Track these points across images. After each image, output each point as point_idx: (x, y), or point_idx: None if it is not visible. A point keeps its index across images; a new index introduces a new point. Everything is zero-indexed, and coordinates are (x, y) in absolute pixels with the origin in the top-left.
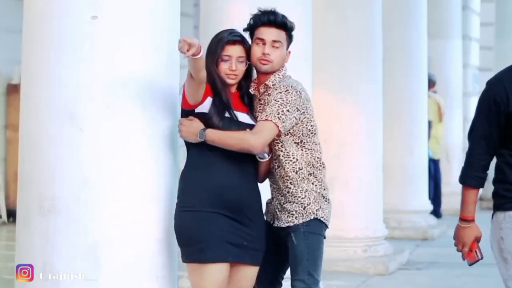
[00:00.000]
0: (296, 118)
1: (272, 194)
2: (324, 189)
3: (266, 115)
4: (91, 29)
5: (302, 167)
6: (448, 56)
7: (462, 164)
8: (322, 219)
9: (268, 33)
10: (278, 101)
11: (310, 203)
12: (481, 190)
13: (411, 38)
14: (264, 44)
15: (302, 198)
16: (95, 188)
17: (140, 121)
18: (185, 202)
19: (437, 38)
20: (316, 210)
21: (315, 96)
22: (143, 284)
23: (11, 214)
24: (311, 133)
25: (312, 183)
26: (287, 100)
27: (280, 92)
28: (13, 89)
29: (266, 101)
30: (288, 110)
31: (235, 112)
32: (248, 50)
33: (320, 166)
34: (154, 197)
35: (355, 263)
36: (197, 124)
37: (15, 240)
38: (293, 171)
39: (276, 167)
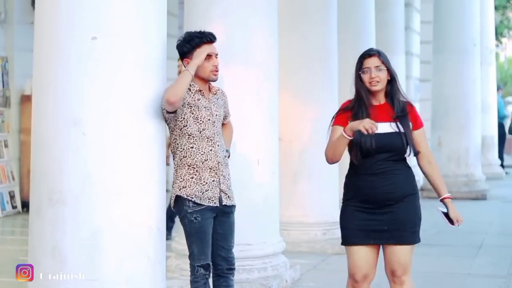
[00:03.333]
0: None
1: (220, 178)
2: None
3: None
4: (92, 47)
5: None
6: (394, 69)
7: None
8: None
9: (214, 49)
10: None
11: None
12: (422, 181)
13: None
14: (216, 57)
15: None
16: (97, 183)
17: (134, 125)
18: None
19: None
20: None
21: (282, 101)
22: (137, 263)
23: (25, 205)
24: None
25: None
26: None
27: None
28: (26, 99)
29: (218, 103)
30: None
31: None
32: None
33: None
34: (147, 190)
35: (316, 244)
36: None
37: (29, 227)
38: None
39: (226, 156)
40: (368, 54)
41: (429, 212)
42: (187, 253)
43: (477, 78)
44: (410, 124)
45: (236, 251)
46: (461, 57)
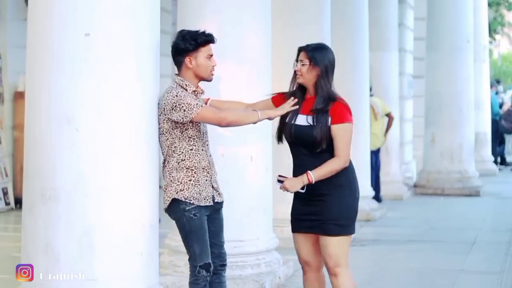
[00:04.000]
0: None
1: (211, 177)
2: None
3: None
4: (85, 44)
5: None
6: (387, 66)
7: (400, 156)
8: None
9: (212, 49)
10: None
11: None
12: (415, 178)
13: (356, 50)
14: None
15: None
16: (90, 180)
17: (127, 124)
18: None
19: (378, 50)
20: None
21: None
22: (130, 260)
23: (18, 202)
24: None
25: None
26: None
27: None
28: (19, 96)
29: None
30: None
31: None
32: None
33: None
34: (139, 187)
35: None
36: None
37: (22, 224)
38: None
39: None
40: (302, 48)
41: (422, 209)
42: (180, 249)
43: (470, 75)
44: (329, 118)
45: (229, 247)
46: (455, 54)
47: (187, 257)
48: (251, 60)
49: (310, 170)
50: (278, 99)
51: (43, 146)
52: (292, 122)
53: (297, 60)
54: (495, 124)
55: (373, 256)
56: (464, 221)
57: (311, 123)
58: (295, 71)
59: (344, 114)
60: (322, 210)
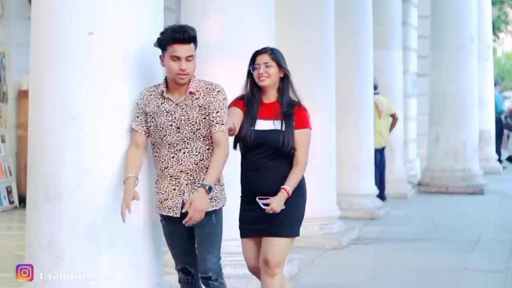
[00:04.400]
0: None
1: (184, 188)
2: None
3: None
4: (89, 42)
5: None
6: (391, 64)
7: (404, 154)
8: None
9: (183, 50)
10: (222, 108)
11: (220, 196)
12: (419, 176)
13: (359, 48)
14: (180, 60)
15: (221, 185)
16: (92, 178)
17: (130, 120)
18: None
19: (382, 49)
20: (221, 200)
21: None
22: (134, 257)
23: (22, 200)
24: None
25: (222, 179)
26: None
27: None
28: (22, 94)
29: (192, 105)
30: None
31: None
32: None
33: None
34: (143, 185)
35: (313, 239)
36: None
37: (26, 222)
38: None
39: (199, 160)
40: (260, 51)
41: (426, 207)
42: None
43: (474, 73)
44: (294, 123)
45: (233, 246)
46: (458, 52)
47: None
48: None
49: (271, 174)
50: (241, 105)
51: (46, 143)
52: (252, 127)
53: (253, 64)
54: (499, 122)
55: (377, 254)
56: (468, 219)
57: (279, 128)
58: (250, 74)
59: (306, 119)
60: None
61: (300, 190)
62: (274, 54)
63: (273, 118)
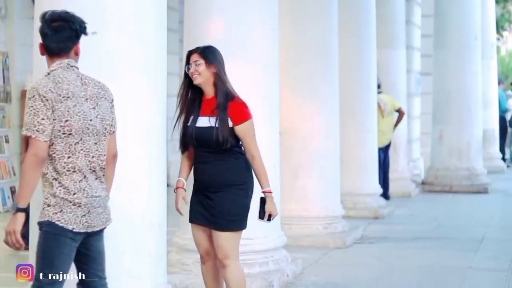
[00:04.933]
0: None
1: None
2: (74, 194)
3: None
4: (92, 42)
5: (47, 172)
6: (395, 63)
7: (407, 153)
8: (58, 222)
9: None
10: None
11: (50, 205)
12: (423, 175)
13: (363, 48)
14: None
15: (45, 199)
16: None
17: (134, 119)
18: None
19: (385, 48)
20: (53, 214)
21: (282, 96)
22: (138, 258)
23: None
24: (63, 134)
25: (56, 188)
26: (35, 108)
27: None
28: (26, 94)
29: None
30: (42, 119)
31: None
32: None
33: (67, 171)
34: (147, 185)
35: (317, 238)
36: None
37: (29, 222)
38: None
39: None
40: (191, 51)
41: (430, 206)
42: (189, 248)
43: (478, 72)
44: (229, 119)
45: None
46: (462, 51)
47: (195, 255)
48: (258, 58)
49: (217, 168)
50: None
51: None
52: (194, 125)
53: (188, 64)
54: (503, 121)
55: (381, 253)
56: (472, 219)
57: (213, 125)
58: (186, 74)
59: (243, 111)
60: (215, 205)
61: (243, 184)
62: (204, 52)
63: (209, 115)
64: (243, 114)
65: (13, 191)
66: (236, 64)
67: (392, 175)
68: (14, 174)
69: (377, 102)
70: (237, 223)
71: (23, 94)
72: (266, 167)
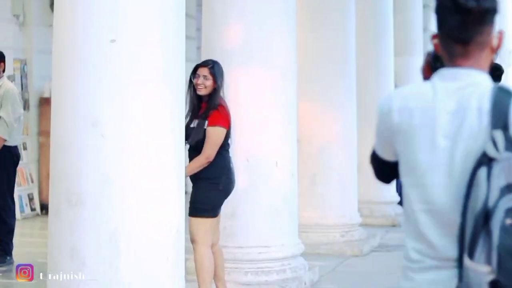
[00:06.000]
0: None
1: None
2: None
3: None
4: (110, 50)
5: None
6: (412, 71)
7: None
8: None
9: None
10: None
11: None
12: None
13: (380, 55)
14: None
15: None
16: (115, 184)
17: (152, 126)
18: None
19: (402, 55)
20: None
21: (300, 103)
22: (156, 265)
23: (44, 207)
24: None
25: None
26: None
27: None
28: (44, 102)
29: None
30: None
31: None
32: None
33: None
34: (166, 191)
35: (334, 246)
36: None
37: (48, 229)
38: None
39: None
40: (201, 64)
41: None
42: None
43: None
44: (206, 122)
45: (255, 253)
46: None
47: None
48: (276, 64)
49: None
50: None
51: (68, 150)
52: (191, 125)
53: (194, 73)
54: None
55: (398, 261)
56: None
57: (194, 126)
58: (192, 83)
59: (219, 119)
60: (191, 195)
61: (213, 178)
62: (213, 69)
63: (198, 118)
64: (216, 120)
65: (31, 198)
66: (254, 71)
67: None
68: (32, 182)
69: None
70: (200, 211)
71: (41, 101)
72: (285, 175)
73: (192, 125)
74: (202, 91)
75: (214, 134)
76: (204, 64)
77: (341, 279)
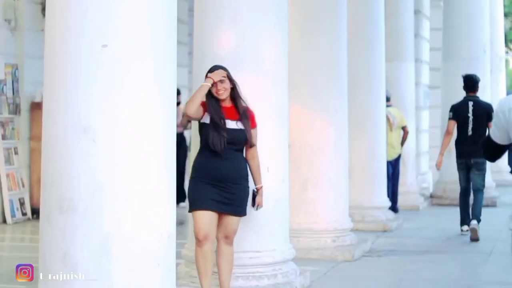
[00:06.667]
0: None
1: None
2: None
3: None
4: (102, 55)
5: None
6: (403, 76)
7: (416, 167)
8: None
9: None
10: None
11: None
12: (431, 188)
13: (372, 61)
14: None
15: None
16: (106, 190)
17: (144, 133)
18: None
19: (394, 61)
20: None
21: (291, 109)
22: (147, 270)
23: (35, 212)
24: None
25: None
26: None
27: None
28: (36, 106)
29: None
30: None
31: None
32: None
33: None
34: (157, 197)
35: (326, 251)
36: None
37: (39, 234)
38: None
39: None
40: (212, 69)
41: (439, 219)
42: None
43: (487, 85)
44: (249, 123)
45: (246, 258)
46: (471, 64)
47: None
48: (268, 69)
49: (237, 165)
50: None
51: (60, 155)
52: (225, 126)
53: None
54: None
55: (389, 266)
56: (481, 232)
57: (242, 127)
58: (215, 86)
59: (255, 119)
60: (236, 194)
61: (248, 177)
62: (226, 70)
63: (236, 119)
64: (255, 121)
65: (22, 202)
66: (246, 76)
67: (400, 188)
68: (23, 186)
69: (385, 115)
70: (245, 209)
71: (32, 106)
72: (276, 180)
73: (231, 127)
74: (224, 95)
75: (257, 135)
76: (218, 67)
77: (333, 284)
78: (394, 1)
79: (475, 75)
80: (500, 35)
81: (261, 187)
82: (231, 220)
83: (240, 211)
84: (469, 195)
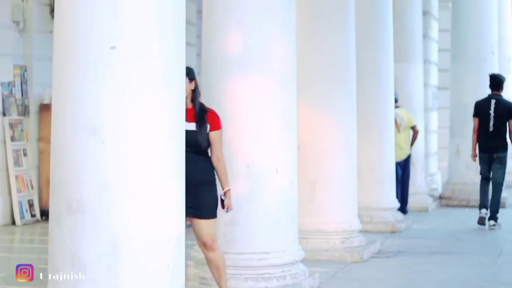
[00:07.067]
0: None
1: None
2: None
3: None
4: (110, 56)
5: None
6: (412, 77)
7: (425, 168)
8: None
9: None
10: None
11: None
12: (440, 189)
13: (380, 62)
14: None
15: None
16: (115, 191)
17: (153, 134)
18: None
19: (402, 62)
20: None
21: (300, 109)
22: (156, 272)
23: (44, 214)
24: None
25: None
26: None
27: None
28: (44, 108)
29: None
30: None
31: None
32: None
33: None
34: (166, 198)
35: (335, 253)
36: None
37: (48, 236)
38: None
39: None
40: None
41: (448, 220)
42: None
43: None
44: (208, 126)
45: (255, 259)
46: (479, 65)
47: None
48: (276, 70)
49: (201, 169)
50: None
51: (68, 157)
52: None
53: None
54: None
55: (398, 267)
56: (490, 233)
57: (196, 129)
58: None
59: (218, 122)
60: (202, 198)
61: (214, 180)
62: (188, 72)
63: (194, 121)
64: (217, 124)
65: (31, 204)
66: (254, 77)
67: (409, 189)
68: (32, 188)
69: (393, 116)
70: (215, 212)
71: (41, 107)
72: (285, 181)
73: (187, 128)
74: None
75: (221, 137)
76: None
77: (341, 285)
78: (402, 2)
79: (501, 75)
80: (508, 36)
81: (228, 190)
82: (199, 224)
83: (206, 215)
84: (489, 182)
